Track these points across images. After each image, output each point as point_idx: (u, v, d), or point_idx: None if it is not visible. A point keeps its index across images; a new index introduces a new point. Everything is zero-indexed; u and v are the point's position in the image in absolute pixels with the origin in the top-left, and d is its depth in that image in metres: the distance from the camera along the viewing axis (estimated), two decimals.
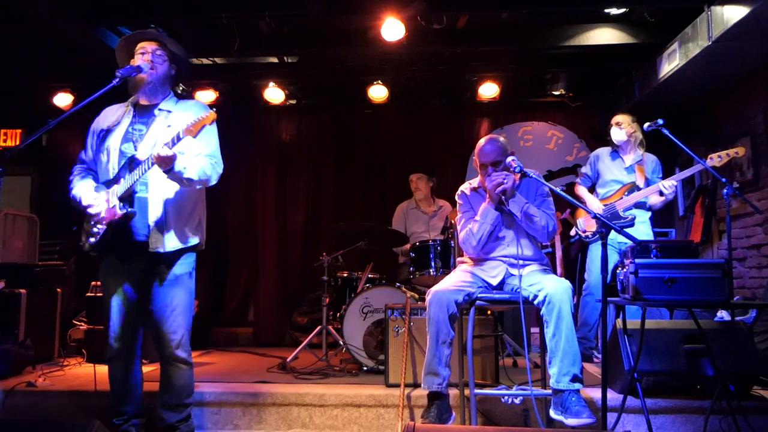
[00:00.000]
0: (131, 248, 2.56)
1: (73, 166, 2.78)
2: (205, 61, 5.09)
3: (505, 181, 2.79)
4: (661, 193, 3.81)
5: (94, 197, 2.53)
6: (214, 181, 2.62)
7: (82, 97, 2.92)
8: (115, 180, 2.54)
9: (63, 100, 5.41)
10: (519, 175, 2.88)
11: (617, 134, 4.07)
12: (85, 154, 2.76)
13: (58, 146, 6.18)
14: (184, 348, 2.59)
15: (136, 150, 2.57)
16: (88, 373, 3.72)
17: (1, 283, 3.96)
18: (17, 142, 5.85)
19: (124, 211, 2.47)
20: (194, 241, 2.66)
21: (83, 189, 2.59)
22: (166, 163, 2.36)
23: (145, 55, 2.62)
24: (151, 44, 2.65)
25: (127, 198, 2.49)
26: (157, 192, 2.56)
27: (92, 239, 2.53)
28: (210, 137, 2.65)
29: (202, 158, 2.57)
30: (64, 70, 5.31)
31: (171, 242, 2.55)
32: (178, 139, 2.36)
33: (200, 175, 2.51)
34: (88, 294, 4.42)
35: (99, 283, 4.29)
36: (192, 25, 4.65)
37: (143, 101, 2.66)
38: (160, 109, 2.66)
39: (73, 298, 4.98)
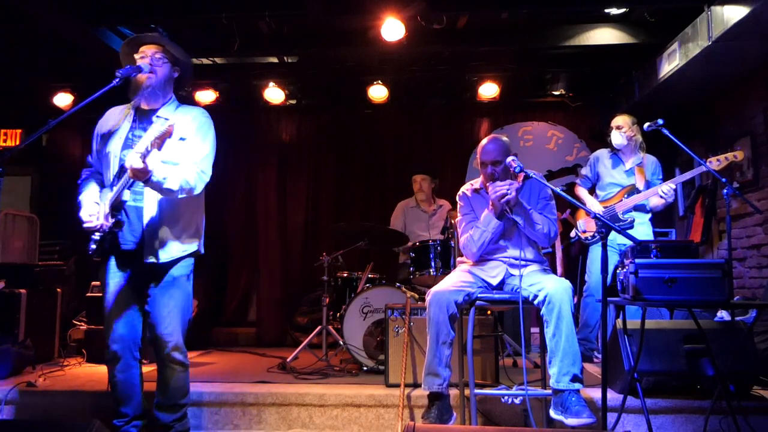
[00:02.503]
0: (127, 256, 2.56)
1: (79, 167, 2.77)
2: (205, 61, 5.09)
3: (509, 191, 2.76)
4: (661, 196, 3.82)
5: (90, 211, 2.49)
6: (198, 191, 2.56)
7: (82, 97, 2.92)
8: (111, 187, 2.53)
9: (63, 100, 5.41)
10: (521, 177, 2.88)
11: (617, 138, 4.05)
12: (91, 157, 2.75)
13: (58, 146, 6.20)
14: (179, 350, 2.58)
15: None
16: (88, 373, 3.74)
17: (1, 283, 3.96)
18: (17, 142, 5.86)
19: (111, 222, 2.45)
20: (191, 248, 2.64)
21: (85, 198, 2.56)
22: (141, 175, 2.31)
23: (145, 59, 2.61)
24: (150, 48, 2.64)
25: (118, 207, 2.47)
26: (152, 201, 2.53)
27: (92, 245, 2.51)
28: (201, 143, 2.60)
29: (187, 166, 2.51)
30: (64, 70, 5.31)
31: (165, 254, 2.53)
32: (147, 152, 2.29)
33: (182, 185, 2.45)
34: (88, 294, 4.42)
35: (99, 283, 4.33)
36: (192, 25, 4.64)
37: (144, 105, 2.64)
38: (158, 116, 2.61)
39: (73, 298, 4.99)
